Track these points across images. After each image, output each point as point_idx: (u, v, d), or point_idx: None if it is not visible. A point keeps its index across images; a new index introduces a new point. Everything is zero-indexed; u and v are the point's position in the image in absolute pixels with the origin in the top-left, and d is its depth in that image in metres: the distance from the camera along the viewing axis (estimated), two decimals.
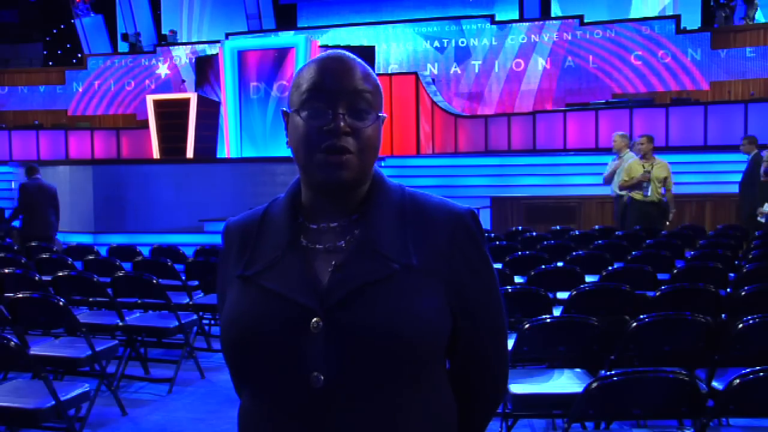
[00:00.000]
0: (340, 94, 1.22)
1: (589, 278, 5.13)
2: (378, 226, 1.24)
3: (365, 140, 1.23)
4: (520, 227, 8.69)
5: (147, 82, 19.45)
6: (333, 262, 1.22)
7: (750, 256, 5.93)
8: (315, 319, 1.18)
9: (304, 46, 15.19)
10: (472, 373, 1.32)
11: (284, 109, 1.30)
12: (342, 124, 1.20)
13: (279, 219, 1.29)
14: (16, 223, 11.90)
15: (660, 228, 7.93)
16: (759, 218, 8.52)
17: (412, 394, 1.21)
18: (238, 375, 1.31)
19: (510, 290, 4.31)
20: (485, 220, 11.05)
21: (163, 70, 19.10)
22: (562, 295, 4.89)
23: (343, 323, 1.17)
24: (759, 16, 15.95)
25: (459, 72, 17.44)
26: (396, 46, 17.93)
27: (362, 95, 1.23)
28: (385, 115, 1.28)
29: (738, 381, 2.64)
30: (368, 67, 1.28)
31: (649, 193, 8.16)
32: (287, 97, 1.31)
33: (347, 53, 1.27)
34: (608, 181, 8.92)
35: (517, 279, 5.34)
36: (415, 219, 1.26)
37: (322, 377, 1.16)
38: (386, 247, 1.21)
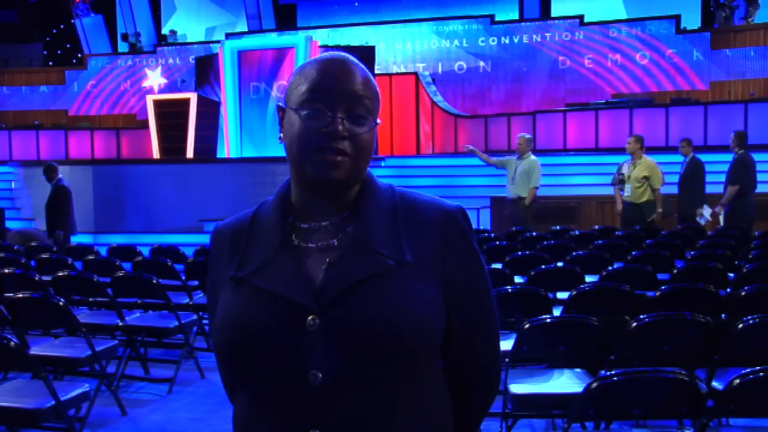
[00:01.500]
0: (340, 98, 1.22)
1: (589, 278, 5.12)
2: (370, 223, 1.24)
3: (361, 145, 1.23)
4: (520, 227, 8.67)
5: (147, 82, 19.42)
6: (327, 260, 1.22)
7: (750, 256, 5.92)
8: (311, 316, 1.18)
9: (304, 46, 15.19)
10: (466, 368, 1.34)
11: (280, 104, 1.30)
12: (340, 128, 1.21)
13: (269, 220, 1.29)
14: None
15: (645, 227, 7.90)
16: (697, 218, 8.53)
17: (409, 390, 1.21)
18: (233, 377, 1.31)
19: (510, 290, 4.31)
20: (485, 220, 11.03)
21: (157, 77, 19.08)
22: (562, 295, 4.89)
23: (339, 320, 1.17)
24: (759, 16, 15.93)
25: (459, 72, 17.43)
26: (396, 46, 17.93)
27: (362, 101, 1.24)
28: (380, 120, 1.29)
29: (738, 381, 2.64)
30: (369, 73, 1.28)
31: (627, 193, 8.24)
32: (284, 91, 1.30)
33: (350, 56, 1.27)
34: (494, 165, 9.24)
35: (517, 279, 5.33)
36: (406, 217, 1.26)
37: (320, 374, 1.16)
38: (380, 243, 1.22)
